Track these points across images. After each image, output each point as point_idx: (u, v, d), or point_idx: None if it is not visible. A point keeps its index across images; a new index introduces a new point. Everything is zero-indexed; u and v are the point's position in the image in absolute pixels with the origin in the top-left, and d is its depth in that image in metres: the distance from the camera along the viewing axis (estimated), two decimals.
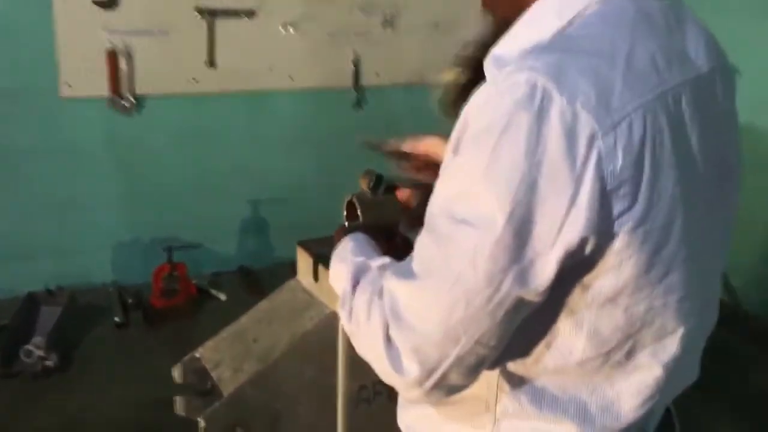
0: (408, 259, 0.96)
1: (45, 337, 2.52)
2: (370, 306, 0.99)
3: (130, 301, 2.98)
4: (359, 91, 3.54)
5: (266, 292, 1.78)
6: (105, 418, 2.19)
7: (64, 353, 2.55)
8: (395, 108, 3.56)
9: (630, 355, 0.96)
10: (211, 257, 3.33)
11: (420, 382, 0.92)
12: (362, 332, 0.99)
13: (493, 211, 0.83)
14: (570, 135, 0.81)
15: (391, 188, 1.44)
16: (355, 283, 1.07)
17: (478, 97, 0.88)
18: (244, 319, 1.64)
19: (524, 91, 0.83)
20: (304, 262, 1.62)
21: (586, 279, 0.90)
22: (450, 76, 1.58)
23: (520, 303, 0.88)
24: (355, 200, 1.42)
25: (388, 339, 0.94)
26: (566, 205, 0.82)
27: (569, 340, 0.95)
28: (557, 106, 0.82)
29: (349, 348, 1.56)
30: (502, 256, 0.84)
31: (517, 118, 0.82)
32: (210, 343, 1.61)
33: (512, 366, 1.00)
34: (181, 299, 2.99)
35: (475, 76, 1.61)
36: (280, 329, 1.60)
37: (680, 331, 0.97)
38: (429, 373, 0.91)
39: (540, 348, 0.97)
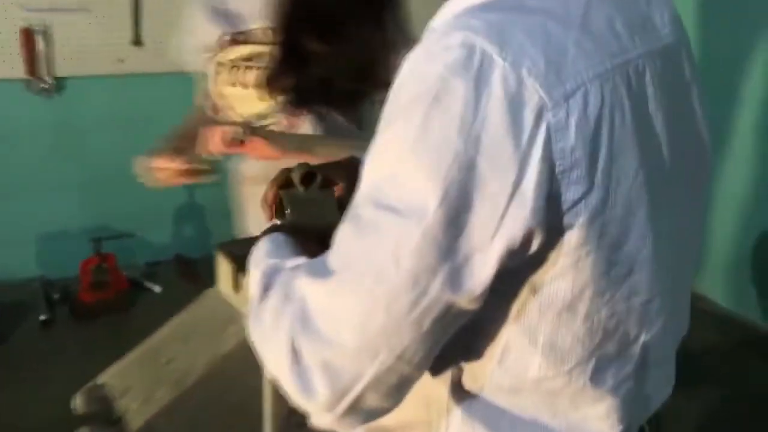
0: (325, 254, 0.84)
1: None
2: (277, 313, 0.85)
3: (56, 296, 2.89)
4: None
5: (207, 282, 1.60)
6: (30, 425, 2.12)
7: None
8: None
9: (595, 375, 0.86)
10: (144, 247, 3.24)
11: (330, 406, 0.79)
12: (269, 345, 0.85)
13: (422, 196, 0.72)
14: (514, 106, 0.71)
15: (328, 183, 1.28)
16: (265, 289, 0.92)
17: (407, 63, 0.78)
18: (157, 337, 1.46)
19: (459, 54, 0.73)
20: (223, 268, 1.43)
21: (537, 282, 0.80)
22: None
23: (451, 311, 0.76)
24: (282, 195, 1.27)
25: (294, 352, 0.80)
26: (509, 190, 0.72)
27: (523, 355, 0.84)
28: (499, 71, 0.71)
29: None
30: (430, 250, 0.73)
31: (451, 86, 0.72)
32: (116, 368, 1.43)
33: (463, 384, 0.90)
34: (112, 293, 2.92)
35: (289, 51, 1.64)
36: (197, 348, 1.42)
37: (643, 338, 0.88)
38: (341, 395, 0.78)
39: (492, 364, 0.86)
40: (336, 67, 1.65)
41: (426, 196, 0.72)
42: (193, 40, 1.83)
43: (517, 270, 0.78)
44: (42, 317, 2.77)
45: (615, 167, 0.77)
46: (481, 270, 0.74)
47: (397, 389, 0.81)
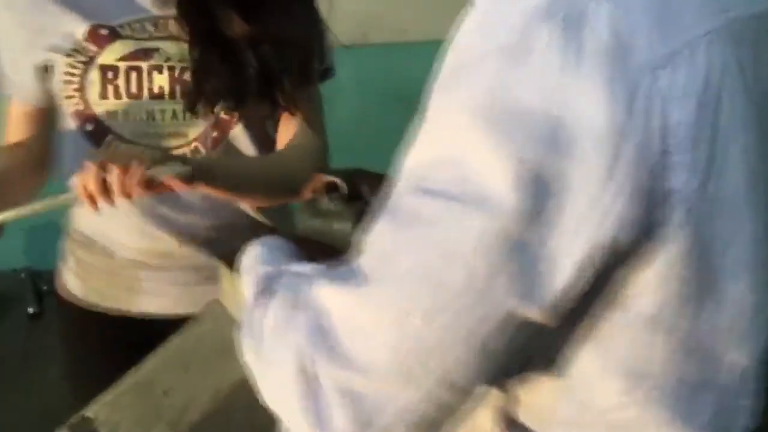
0: (347, 259, 0.72)
1: None
2: (282, 325, 0.72)
3: (44, 288, 2.78)
4: None
5: None
6: (18, 420, 2.07)
7: None
8: None
9: (674, 403, 0.72)
10: None
11: None
12: (268, 366, 0.74)
13: (489, 179, 0.60)
14: (609, 66, 0.58)
15: (354, 197, 1.08)
16: (262, 294, 0.79)
17: (468, 21, 0.66)
18: (152, 362, 1.25)
19: None
20: (227, 279, 1.23)
21: (617, 292, 0.66)
22: None
23: (513, 323, 0.63)
24: (337, 181, 1.10)
25: (304, 373, 0.67)
26: (601, 172, 0.59)
27: (590, 380, 0.72)
28: (591, 21, 0.59)
29: None
30: (495, 246, 0.60)
31: (530, 38, 0.59)
32: (107, 397, 1.23)
33: (514, 415, 0.77)
34: None
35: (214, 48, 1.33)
36: (198, 379, 1.23)
37: (735, 362, 0.74)
38: (364, 429, 0.65)
39: (552, 392, 0.73)
40: (275, 52, 1.39)
41: (494, 179, 0.59)
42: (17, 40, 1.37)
43: (597, 276, 0.63)
44: (30, 310, 2.69)
45: (722, 148, 0.63)
46: (559, 273, 0.61)
47: (433, 423, 0.67)
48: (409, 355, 0.64)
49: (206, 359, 1.24)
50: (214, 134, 1.41)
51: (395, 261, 0.65)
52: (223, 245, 1.35)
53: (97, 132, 1.37)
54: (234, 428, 1.19)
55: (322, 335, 0.67)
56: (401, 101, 3.43)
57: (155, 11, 1.37)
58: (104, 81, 1.34)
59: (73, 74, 1.34)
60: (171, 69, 1.35)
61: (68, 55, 1.34)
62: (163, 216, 1.46)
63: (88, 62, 1.34)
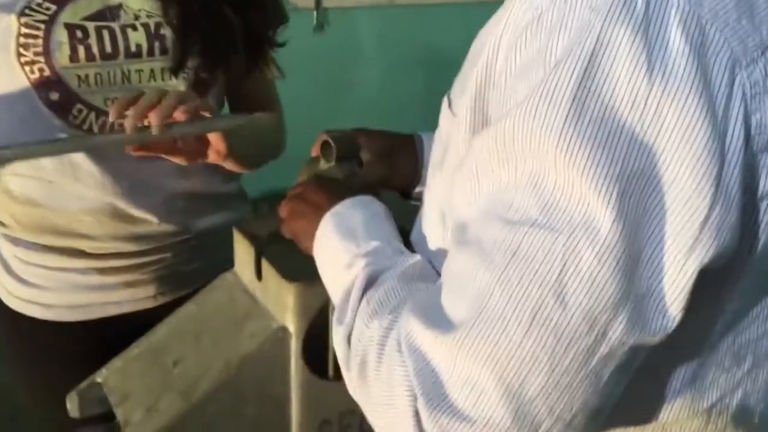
0: (431, 289, 0.67)
1: None
2: (385, 353, 0.67)
3: None
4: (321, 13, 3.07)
5: None
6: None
7: None
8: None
9: (739, 414, 0.69)
10: None
11: None
12: (377, 395, 0.68)
13: (585, 203, 0.55)
14: (698, 63, 0.54)
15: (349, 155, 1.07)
16: (367, 287, 0.74)
17: (518, 12, 0.60)
18: (163, 330, 1.23)
19: None
20: (242, 252, 1.20)
21: (711, 303, 0.63)
22: None
23: (637, 354, 0.60)
24: (329, 140, 1.06)
25: (417, 418, 0.62)
26: (709, 182, 0.55)
27: (653, 392, 0.68)
28: (675, 14, 0.54)
29: (304, 372, 1.19)
30: (608, 277, 0.55)
31: (609, 40, 0.54)
32: (117, 363, 1.21)
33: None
34: None
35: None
36: (210, 349, 1.20)
37: None
38: None
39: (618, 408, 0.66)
40: (254, 9, 1.30)
41: (592, 203, 0.55)
42: None
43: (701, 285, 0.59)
44: None
45: None
46: (677, 297, 0.57)
47: None
48: (533, 403, 0.59)
49: (216, 331, 1.22)
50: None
51: (496, 305, 0.59)
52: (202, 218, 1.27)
53: (64, 102, 1.21)
54: (245, 399, 1.16)
55: (431, 384, 0.62)
56: (425, 64, 3.39)
57: None
58: (73, 42, 1.18)
59: (33, 36, 1.16)
60: (145, 26, 1.23)
61: (22, 14, 1.16)
62: (142, 183, 1.32)
63: (49, 22, 1.17)
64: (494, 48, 0.62)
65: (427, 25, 3.08)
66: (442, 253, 0.76)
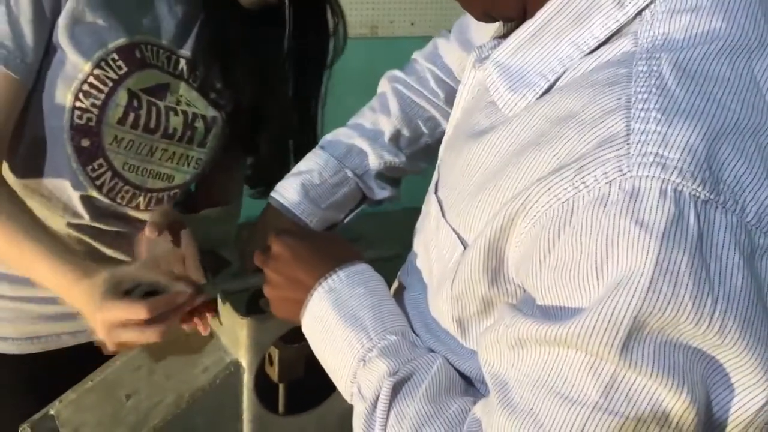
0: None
1: None
2: None
3: None
4: None
5: None
6: None
7: None
8: None
9: None
10: None
11: None
12: None
13: (661, 391, 0.56)
14: (752, 268, 0.55)
15: None
16: (393, 396, 0.74)
17: (536, 196, 0.63)
18: (118, 363, 1.22)
19: (665, 212, 0.54)
20: (227, 315, 1.19)
21: None
22: None
23: None
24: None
25: None
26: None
27: None
28: (723, 226, 0.55)
29: (256, 407, 1.19)
30: None
31: (671, 264, 0.54)
32: (71, 395, 1.20)
33: None
34: None
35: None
36: (163, 382, 1.20)
37: None
38: None
39: None
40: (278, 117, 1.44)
41: (666, 391, 0.56)
42: None
43: None
44: None
45: None
46: None
47: None
48: None
49: (172, 363, 1.22)
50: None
51: None
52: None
53: (91, 151, 1.23)
54: None
55: None
56: None
57: (166, 42, 1.27)
58: (128, 108, 1.22)
59: (98, 89, 1.19)
60: (184, 114, 1.28)
61: (97, 66, 1.18)
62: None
63: (117, 81, 1.20)
64: (508, 219, 0.64)
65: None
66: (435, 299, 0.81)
